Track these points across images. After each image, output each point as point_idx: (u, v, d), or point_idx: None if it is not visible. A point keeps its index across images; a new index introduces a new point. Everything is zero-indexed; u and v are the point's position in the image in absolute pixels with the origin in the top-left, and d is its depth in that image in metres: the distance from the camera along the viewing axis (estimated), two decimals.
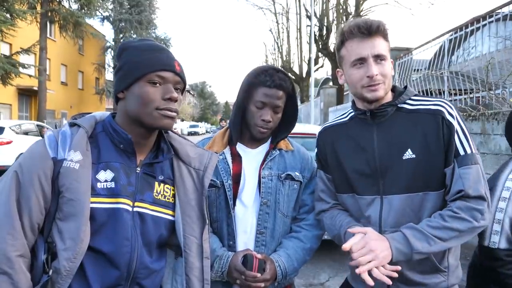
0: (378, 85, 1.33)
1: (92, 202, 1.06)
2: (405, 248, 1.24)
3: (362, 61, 1.34)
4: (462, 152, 1.28)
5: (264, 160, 1.61)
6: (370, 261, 1.22)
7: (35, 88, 19.87)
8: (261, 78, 1.55)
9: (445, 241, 1.25)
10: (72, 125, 1.14)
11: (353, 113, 1.50)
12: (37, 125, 13.09)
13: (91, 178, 1.08)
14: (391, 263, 1.24)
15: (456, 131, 1.29)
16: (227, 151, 1.61)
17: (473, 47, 6.16)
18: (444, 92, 6.50)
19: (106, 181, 1.11)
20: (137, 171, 1.17)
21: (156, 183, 1.20)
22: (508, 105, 4.71)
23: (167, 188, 1.22)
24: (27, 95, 22.57)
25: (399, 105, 1.39)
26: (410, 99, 1.40)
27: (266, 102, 1.54)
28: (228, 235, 1.56)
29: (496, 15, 5.38)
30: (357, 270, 1.23)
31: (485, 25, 5.58)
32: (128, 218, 1.12)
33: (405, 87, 1.45)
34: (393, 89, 1.44)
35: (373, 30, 1.32)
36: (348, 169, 1.44)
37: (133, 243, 1.11)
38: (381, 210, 1.37)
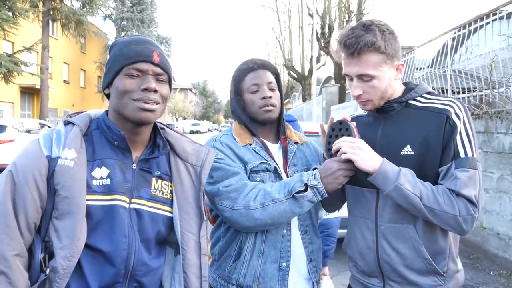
0: (366, 102, 1.37)
1: (88, 200, 1.05)
2: (392, 174, 1.24)
3: (349, 77, 1.37)
4: (462, 155, 1.25)
5: (286, 158, 1.58)
6: (352, 152, 1.26)
7: (38, 87, 19.93)
8: (244, 67, 1.60)
9: (422, 205, 1.23)
10: (66, 123, 1.14)
11: None
12: (40, 124, 13.12)
13: (86, 176, 1.07)
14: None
15: (460, 132, 1.26)
16: (257, 141, 1.57)
17: (476, 45, 6.11)
18: (447, 90, 6.47)
19: (101, 178, 1.10)
20: (133, 167, 1.16)
21: (154, 179, 1.19)
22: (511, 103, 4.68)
23: (165, 184, 1.21)
24: (29, 93, 22.65)
25: (408, 102, 1.38)
26: (422, 96, 1.38)
27: (259, 83, 1.56)
28: (286, 224, 1.48)
29: (499, 13, 5.35)
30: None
31: (488, 23, 5.55)
32: (125, 215, 1.10)
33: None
34: (406, 85, 1.43)
35: (357, 50, 1.28)
36: None
37: (130, 240, 1.10)
38: (377, 204, 1.37)
